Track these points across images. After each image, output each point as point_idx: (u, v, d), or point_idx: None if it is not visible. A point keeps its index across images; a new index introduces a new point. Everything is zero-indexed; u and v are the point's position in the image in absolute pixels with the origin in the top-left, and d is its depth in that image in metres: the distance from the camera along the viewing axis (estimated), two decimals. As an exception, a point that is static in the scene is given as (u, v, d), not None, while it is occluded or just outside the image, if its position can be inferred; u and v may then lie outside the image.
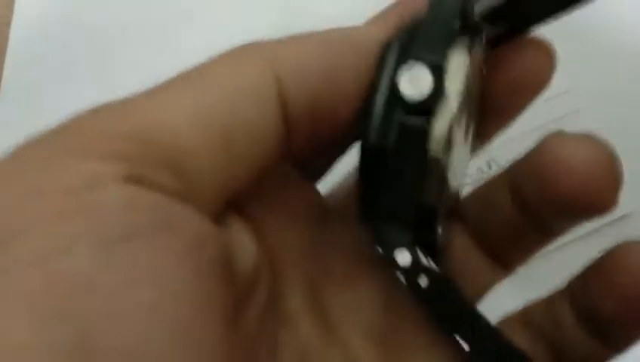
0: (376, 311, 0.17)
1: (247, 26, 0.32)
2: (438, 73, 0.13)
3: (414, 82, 0.13)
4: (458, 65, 0.14)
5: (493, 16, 0.15)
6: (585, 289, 0.16)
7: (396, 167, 0.14)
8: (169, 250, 0.11)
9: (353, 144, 0.16)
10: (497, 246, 0.17)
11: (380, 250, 0.15)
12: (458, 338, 0.15)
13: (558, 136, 0.15)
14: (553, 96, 0.33)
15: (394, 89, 0.13)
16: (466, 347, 0.15)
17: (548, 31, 0.35)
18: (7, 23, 0.36)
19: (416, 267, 0.15)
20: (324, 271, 0.17)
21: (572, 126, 0.33)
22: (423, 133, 0.13)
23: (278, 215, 0.16)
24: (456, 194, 0.18)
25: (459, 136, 0.15)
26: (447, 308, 0.15)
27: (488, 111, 0.17)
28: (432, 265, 0.16)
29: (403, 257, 0.15)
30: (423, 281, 0.15)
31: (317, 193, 0.18)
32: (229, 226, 0.14)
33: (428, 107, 0.13)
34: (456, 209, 0.18)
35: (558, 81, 0.33)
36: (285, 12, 0.27)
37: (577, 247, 0.31)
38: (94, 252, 0.11)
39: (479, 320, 0.16)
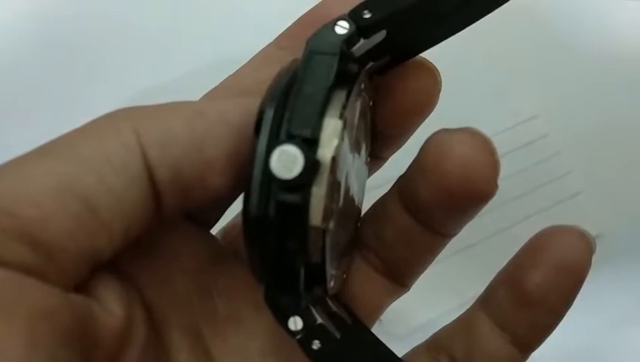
0: (264, 353, 0.17)
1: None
2: (311, 148, 0.14)
3: (285, 162, 0.13)
4: (333, 127, 0.14)
5: (374, 53, 0.16)
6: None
7: (278, 237, 0.14)
8: (9, 325, 0.12)
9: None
10: (393, 261, 0.18)
11: (273, 316, 0.15)
12: None
13: (439, 132, 0.16)
14: (522, 121, 0.34)
15: (267, 167, 0.13)
16: None
17: (518, 55, 0.36)
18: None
19: (308, 331, 0.15)
20: (211, 316, 0.17)
21: (542, 150, 0.34)
22: (300, 208, 0.14)
23: (160, 268, 0.17)
24: (358, 212, 0.19)
25: (346, 163, 0.16)
26: None
27: (381, 135, 0.18)
28: (335, 307, 0.17)
29: (295, 323, 0.15)
30: (316, 344, 0.15)
31: (208, 238, 0.18)
32: (96, 288, 0.15)
33: (302, 182, 0.13)
34: (356, 229, 0.19)
35: (527, 106, 0.34)
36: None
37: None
38: None
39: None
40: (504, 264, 0.18)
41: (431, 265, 0.31)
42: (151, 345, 0.16)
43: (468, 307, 0.19)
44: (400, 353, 0.18)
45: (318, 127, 0.14)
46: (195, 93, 0.19)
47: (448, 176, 0.16)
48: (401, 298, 0.26)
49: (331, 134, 0.14)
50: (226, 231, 0.19)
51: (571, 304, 0.17)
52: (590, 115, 0.34)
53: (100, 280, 0.15)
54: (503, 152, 0.34)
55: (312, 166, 0.13)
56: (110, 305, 0.15)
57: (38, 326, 0.12)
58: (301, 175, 0.13)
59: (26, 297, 0.13)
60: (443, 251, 0.32)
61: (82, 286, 0.14)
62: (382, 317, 0.30)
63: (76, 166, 0.14)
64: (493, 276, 0.18)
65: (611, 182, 0.33)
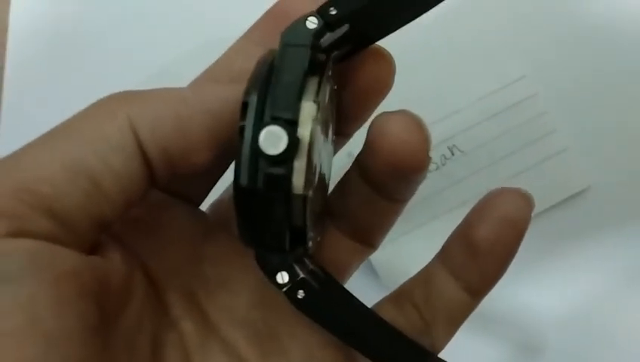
0: (251, 308, 0.20)
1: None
2: (292, 128, 0.16)
3: (271, 140, 0.15)
4: (309, 110, 0.16)
5: (339, 43, 0.18)
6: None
7: (266, 204, 0.16)
8: (41, 285, 0.14)
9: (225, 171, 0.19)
10: (359, 226, 0.21)
11: (262, 272, 0.18)
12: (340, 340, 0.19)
13: (380, 115, 0.18)
14: (511, 82, 0.34)
15: (255, 145, 0.15)
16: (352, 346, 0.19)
17: (506, 16, 0.36)
18: (4, 29, 0.36)
19: (293, 285, 0.18)
20: (202, 278, 0.20)
21: (531, 109, 0.35)
22: (285, 179, 0.16)
23: (155, 240, 0.19)
24: (325, 186, 0.21)
25: (319, 141, 0.18)
26: (325, 313, 0.19)
27: (345, 115, 0.20)
28: (312, 266, 0.19)
29: (282, 277, 0.18)
30: (300, 294, 0.18)
31: (197, 213, 0.21)
32: (104, 252, 0.17)
33: (286, 157, 0.16)
34: (326, 200, 0.21)
35: (515, 67, 0.35)
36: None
37: (542, 221, 0.33)
38: None
39: (363, 315, 0.19)
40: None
41: (427, 222, 0.32)
42: (149, 300, 0.18)
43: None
44: None
45: (297, 110, 0.16)
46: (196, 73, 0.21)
47: (387, 153, 0.18)
48: (397, 253, 0.27)
49: (308, 115, 0.16)
50: (214, 206, 0.22)
51: (515, 254, 0.19)
52: (576, 74, 0.35)
53: (106, 246, 0.17)
54: (493, 113, 0.35)
55: (294, 143, 0.16)
56: (115, 264, 0.17)
57: (63, 285, 0.15)
58: (285, 151, 0.15)
59: (53, 261, 0.15)
60: (439, 209, 0.34)
61: (93, 249, 0.17)
62: (380, 273, 0.32)
63: (81, 147, 0.16)
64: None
65: (597, 138, 0.34)
